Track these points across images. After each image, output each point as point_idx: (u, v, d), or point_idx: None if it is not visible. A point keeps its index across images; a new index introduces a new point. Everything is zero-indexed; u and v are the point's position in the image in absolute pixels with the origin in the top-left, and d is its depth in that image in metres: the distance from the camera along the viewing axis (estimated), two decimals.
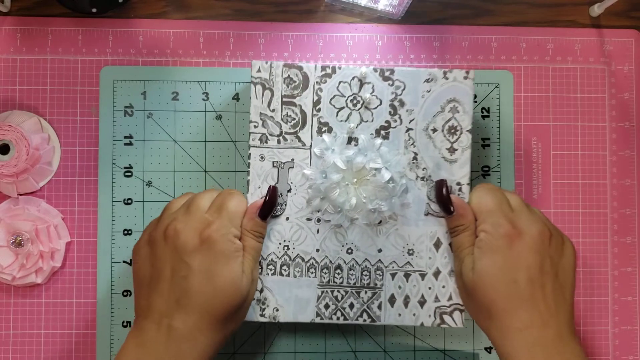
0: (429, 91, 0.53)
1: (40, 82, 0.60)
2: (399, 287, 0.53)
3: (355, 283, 0.53)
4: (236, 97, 0.61)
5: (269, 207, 0.52)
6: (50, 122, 0.60)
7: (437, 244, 0.53)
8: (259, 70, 0.53)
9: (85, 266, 0.59)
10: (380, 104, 0.53)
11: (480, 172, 0.62)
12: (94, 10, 0.59)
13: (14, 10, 0.61)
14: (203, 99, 0.61)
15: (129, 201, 0.60)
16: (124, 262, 0.59)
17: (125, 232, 0.60)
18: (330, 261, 0.53)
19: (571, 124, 0.63)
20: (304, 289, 0.53)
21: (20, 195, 0.59)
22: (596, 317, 0.62)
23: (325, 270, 0.53)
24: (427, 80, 0.53)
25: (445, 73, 0.53)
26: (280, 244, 0.53)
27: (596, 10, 0.63)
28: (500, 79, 0.63)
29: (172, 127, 0.61)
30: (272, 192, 0.52)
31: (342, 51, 0.62)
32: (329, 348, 0.60)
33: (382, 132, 0.53)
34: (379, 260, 0.53)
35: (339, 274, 0.53)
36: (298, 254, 0.53)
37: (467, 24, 0.63)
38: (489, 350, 0.61)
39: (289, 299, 0.53)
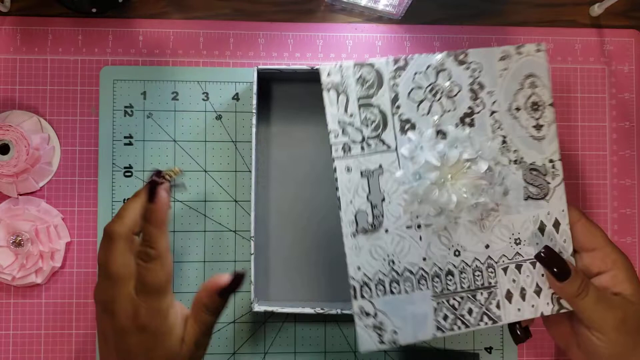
0: (506, 69, 0.50)
1: (40, 82, 0.60)
2: (513, 281, 0.50)
3: (469, 286, 0.49)
4: (236, 97, 0.61)
5: (232, 291, 0.48)
6: (50, 122, 0.60)
7: (542, 228, 0.50)
8: (329, 74, 0.48)
9: (85, 266, 0.59)
10: (460, 90, 0.49)
11: None
12: (94, 10, 0.59)
13: (14, 10, 0.61)
14: (203, 99, 0.61)
15: None
16: None
17: None
18: (440, 268, 0.49)
19: (571, 124, 0.63)
20: (419, 304, 0.49)
21: (20, 195, 0.59)
22: None
23: (436, 279, 0.49)
24: (502, 59, 0.50)
25: (518, 48, 0.50)
26: (384, 260, 0.49)
27: (596, 10, 0.63)
28: None
29: (172, 127, 0.61)
30: (238, 279, 0.48)
31: (342, 51, 0.62)
32: (329, 348, 0.60)
33: (467, 120, 0.49)
34: (489, 256, 0.50)
35: (450, 279, 0.49)
36: (405, 267, 0.49)
37: (467, 24, 0.63)
38: (489, 350, 0.61)
39: (405, 319, 0.49)
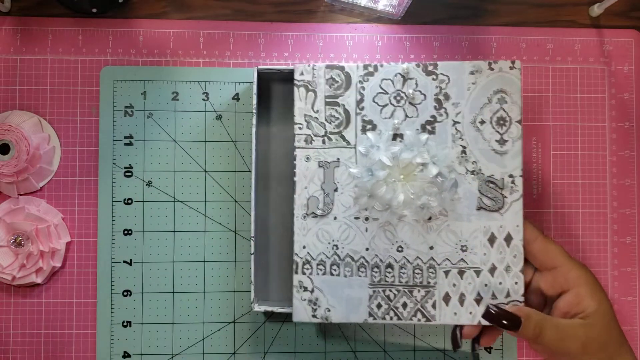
0: (474, 83, 0.52)
1: (40, 82, 0.60)
2: (454, 285, 0.52)
3: (407, 282, 0.52)
4: (236, 97, 0.61)
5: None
6: (51, 122, 0.60)
7: (492, 240, 0.52)
8: (301, 74, 0.53)
9: (85, 266, 0.60)
10: (425, 99, 0.52)
11: None
12: (94, 10, 0.59)
13: (14, 11, 0.61)
14: (203, 99, 0.61)
15: (129, 201, 0.60)
16: (124, 262, 0.59)
17: (125, 232, 0.60)
18: (381, 260, 0.52)
19: (571, 124, 0.63)
20: (355, 288, 0.52)
21: (21, 195, 0.59)
22: None
23: (375, 269, 0.52)
24: (472, 72, 0.52)
25: (490, 64, 0.52)
26: (329, 243, 0.52)
27: (596, 10, 0.63)
28: None
29: (172, 127, 0.61)
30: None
31: (342, 51, 0.62)
32: (329, 348, 0.60)
33: (428, 127, 0.52)
34: (431, 257, 0.52)
35: (390, 272, 0.52)
36: (347, 254, 0.52)
37: (467, 24, 0.63)
38: (489, 350, 0.61)
39: (340, 299, 0.52)
